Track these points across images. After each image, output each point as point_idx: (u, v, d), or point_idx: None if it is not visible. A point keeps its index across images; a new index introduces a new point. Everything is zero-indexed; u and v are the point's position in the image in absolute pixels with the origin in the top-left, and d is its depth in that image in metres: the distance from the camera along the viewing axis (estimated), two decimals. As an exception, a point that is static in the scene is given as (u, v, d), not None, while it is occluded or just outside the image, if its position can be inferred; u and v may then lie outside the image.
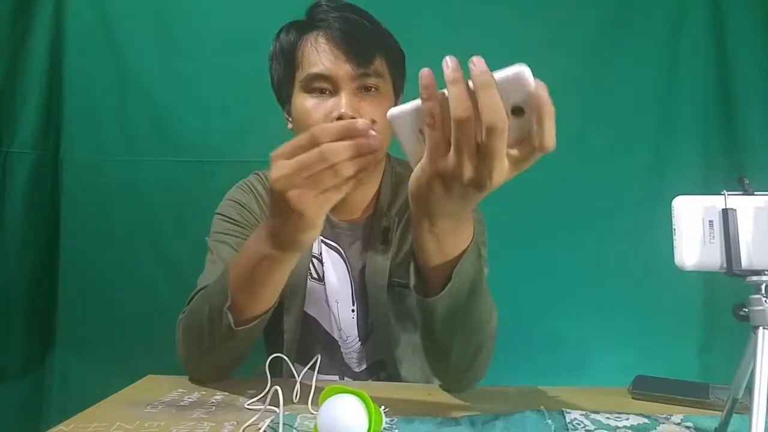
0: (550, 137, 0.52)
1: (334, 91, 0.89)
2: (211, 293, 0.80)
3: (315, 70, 0.88)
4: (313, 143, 0.59)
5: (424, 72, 0.53)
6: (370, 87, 0.90)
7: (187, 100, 1.64)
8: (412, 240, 0.67)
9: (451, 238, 0.64)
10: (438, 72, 0.53)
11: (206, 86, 1.64)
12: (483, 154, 0.52)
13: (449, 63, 0.52)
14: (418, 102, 0.54)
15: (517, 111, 0.51)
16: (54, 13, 1.60)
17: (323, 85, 0.89)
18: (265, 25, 1.55)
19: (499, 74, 0.50)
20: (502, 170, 0.53)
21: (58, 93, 1.64)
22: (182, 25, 1.62)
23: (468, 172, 0.53)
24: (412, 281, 0.70)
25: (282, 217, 0.64)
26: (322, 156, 0.59)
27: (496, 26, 1.58)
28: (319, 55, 0.88)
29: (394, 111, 0.57)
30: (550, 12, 1.60)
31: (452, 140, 0.52)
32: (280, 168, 0.61)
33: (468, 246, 0.65)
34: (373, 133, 0.59)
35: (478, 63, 0.50)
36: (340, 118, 0.85)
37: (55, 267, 1.67)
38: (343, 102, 0.87)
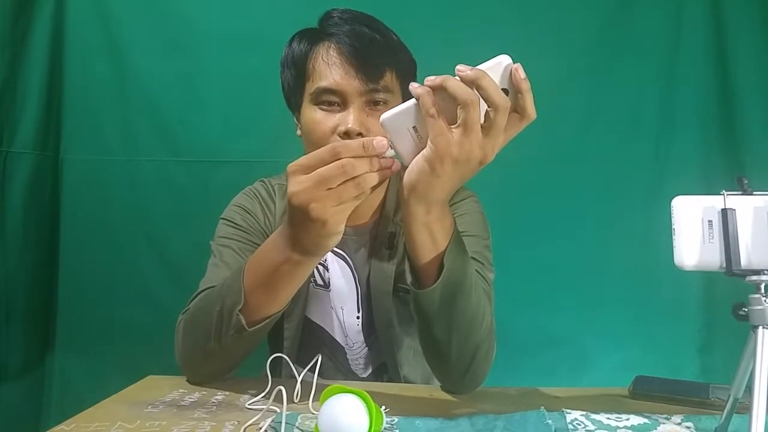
0: (531, 108, 0.62)
1: (343, 105, 0.89)
2: (223, 294, 0.80)
3: (324, 83, 0.89)
4: (334, 157, 0.62)
5: (413, 84, 0.62)
6: (379, 102, 0.90)
7: (187, 100, 1.64)
8: (405, 238, 0.71)
9: (439, 225, 0.70)
10: (445, 69, 0.62)
11: (206, 86, 1.64)
12: (488, 132, 0.61)
13: (431, 76, 0.61)
14: (407, 103, 0.63)
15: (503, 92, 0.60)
16: (54, 13, 1.60)
17: (332, 99, 0.89)
18: (265, 25, 1.57)
19: (485, 65, 0.61)
20: (499, 145, 0.62)
21: (58, 93, 1.63)
22: (182, 25, 1.62)
23: (476, 151, 0.61)
24: (409, 278, 0.73)
25: (302, 227, 0.66)
26: (342, 170, 0.62)
27: (495, 27, 1.58)
28: (329, 69, 0.88)
29: (386, 115, 0.64)
30: (550, 12, 1.60)
31: (460, 124, 0.60)
32: (299, 182, 0.64)
33: (452, 234, 0.71)
34: (389, 152, 0.63)
35: (463, 67, 0.60)
36: (347, 132, 0.87)
37: (55, 267, 1.67)
38: (351, 117, 0.87)
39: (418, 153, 0.64)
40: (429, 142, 0.62)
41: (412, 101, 0.63)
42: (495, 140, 0.61)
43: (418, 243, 0.70)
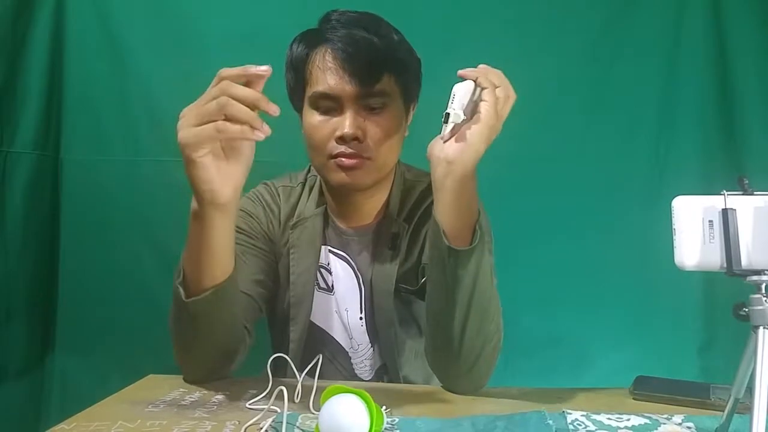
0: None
1: (339, 110, 0.90)
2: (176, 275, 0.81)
3: (320, 88, 0.90)
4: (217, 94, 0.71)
5: (462, 71, 0.74)
6: (375, 107, 0.91)
7: (188, 100, 1.63)
8: (445, 211, 0.75)
9: (475, 193, 0.77)
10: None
11: (207, 86, 1.62)
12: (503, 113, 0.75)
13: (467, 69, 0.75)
14: (467, 83, 0.74)
15: None
16: (54, 13, 1.59)
17: (328, 104, 0.90)
18: (266, 24, 1.57)
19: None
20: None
21: (58, 93, 1.63)
22: (183, 24, 1.61)
23: (501, 121, 0.75)
24: (445, 252, 0.75)
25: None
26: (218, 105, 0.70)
27: (495, 27, 1.57)
28: (324, 74, 0.89)
29: (459, 84, 0.74)
30: (550, 12, 1.59)
31: (500, 99, 0.73)
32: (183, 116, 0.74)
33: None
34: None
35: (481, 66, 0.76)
36: (342, 137, 0.89)
37: (55, 267, 1.67)
38: (347, 122, 0.88)
39: (459, 125, 0.73)
40: (486, 107, 0.72)
41: (470, 81, 0.74)
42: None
43: (464, 208, 0.75)
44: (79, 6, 1.62)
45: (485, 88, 0.72)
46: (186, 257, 0.78)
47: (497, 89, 0.73)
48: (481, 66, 0.75)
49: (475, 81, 0.73)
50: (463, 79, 0.75)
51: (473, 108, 0.75)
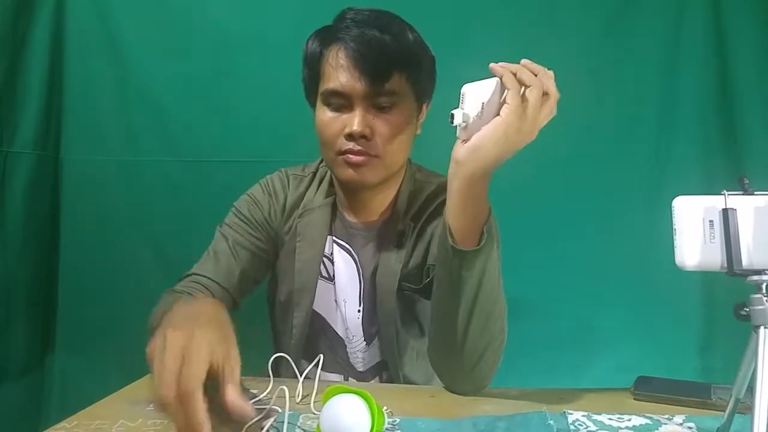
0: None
1: (350, 107, 0.91)
2: (159, 308, 0.86)
3: (332, 85, 0.91)
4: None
5: (492, 65, 0.72)
6: (384, 106, 0.91)
7: (188, 100, 1.64)
8: (455, 210, 0.76)
9: (485, 195, 0.77)
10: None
11: (206, 86, 1.63)
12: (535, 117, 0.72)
13: (502, 62, 0.72)
14: (489, 80, 0.72)
15: None
16: (54, 13, 1.59)
17: (339, 101, 0.91)
18: (266, 25, 1.57)
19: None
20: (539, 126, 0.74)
21: (58, 93, 1.63)
22: (182, 25, 1.62)
23: (530, 126, 0.71)
24: (450, 252, 0.76)
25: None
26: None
27: (495, 28, 1.58)
28: (336, 72, 0.90)
29: (469, 84, 0.73)
30: (551, 13, 1.60)
31: (529, 102, 0.70)
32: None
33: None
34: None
35: (526, 61, 0.73)
36: (350, 134, 0.90)
37: (55, 267, 1.67)
38: (356, 120, 0.90)
39: (477, 126, 0.72)
40: (506, 109, 0.70)
41: (492, 80, 0.71)
42: (541, 119, 0.72)
43: (473, 206, 0.75)
44: (79, 6, 1.62)
45: (508, 89, 0.70)
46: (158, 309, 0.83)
47: (528, 89, 0.70)
48: (523, 61, 0.72)
49: (501, 79, 0.71)
50: (490, 75, 0.72)
51: (498, 108, 0.71)
